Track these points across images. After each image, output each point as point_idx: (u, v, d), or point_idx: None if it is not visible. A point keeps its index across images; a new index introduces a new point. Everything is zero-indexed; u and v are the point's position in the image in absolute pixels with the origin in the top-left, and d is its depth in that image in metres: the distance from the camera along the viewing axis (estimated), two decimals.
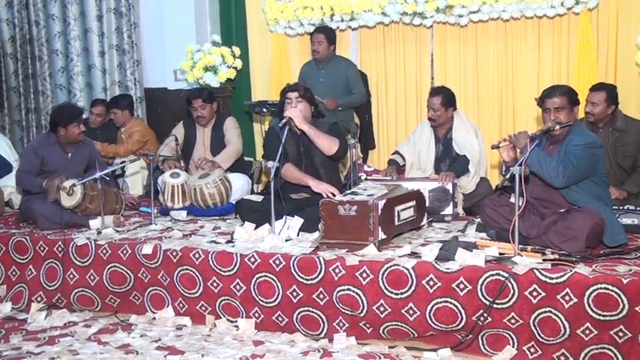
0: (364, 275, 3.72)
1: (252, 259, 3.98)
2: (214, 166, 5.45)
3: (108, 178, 5.06)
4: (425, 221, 4.57)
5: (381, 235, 3.97)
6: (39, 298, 4.50)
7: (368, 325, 3.76)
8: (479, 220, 4.49)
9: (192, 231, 4.72)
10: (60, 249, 4.47)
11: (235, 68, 6.60)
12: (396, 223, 4.16)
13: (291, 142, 4.75)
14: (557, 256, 3.63)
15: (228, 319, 4.07)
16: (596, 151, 3.90)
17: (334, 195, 4.34)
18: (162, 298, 4.26)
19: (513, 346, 3.48)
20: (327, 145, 4.59)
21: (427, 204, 4.76)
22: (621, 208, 4.37)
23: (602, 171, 3.98)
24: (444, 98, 5.17)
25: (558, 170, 3.76)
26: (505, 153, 3.98)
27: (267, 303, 3.96)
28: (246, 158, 6.18)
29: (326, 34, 6.01)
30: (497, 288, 3.45)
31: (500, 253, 3.70)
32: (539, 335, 3.42)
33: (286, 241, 4.21)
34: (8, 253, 4.64)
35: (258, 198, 4.83)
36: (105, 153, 6.21)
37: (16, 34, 7.50)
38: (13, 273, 4.63)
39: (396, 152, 5.48)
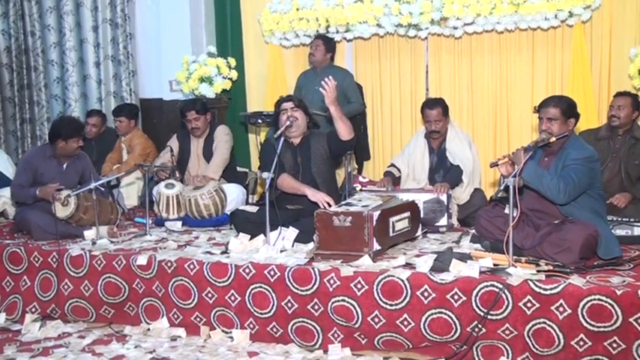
0: (359, 286, 3.72)
1: (247, 270, 3.98)
2: (207, 180, 5.45)
3: (103, 189, 5.05)
4: (419, 232, 4.57)
5: (376, 246, 3.98)
6: (33, 309, 4.48)
7: (363, 336, 3.76)
8: (473, 231, 4.50)
9: (187, 242, 4.72)
10: (54, 259, 4.46)
11: (231, 79, 6.62)
12: (391, 234, 4.17)
13: (288, 153, 4.76)
14: (551, 267, 3.64)
15: (222, 330, 4.06)
16: (595, 165, 3.93)
17: (330, 205, 4.34)
18: (156, 309, 4.25)
19: (508, 357, 3.48)
20: (348, 129, 4.54)
21: (422, 215, 4.77)
22: (617, 219, 4.38)
23: (598, 184, 4.00)
24: (443, 108, 5.20)
25: (559, 187, 3.77)
26: (503, 168, 3.97)
27: (261, 314, 3.96)
28: (241, 169, 6.18)
29: (324, 40, 6.04)
30: (492, 299, 3.46)
31: (494, 264, 3.71)
32: (534, 346, 3.42)
33: (281, 252, 4.21)
34: (2, 264, 4.62)
35: (253, 209, 4.83)
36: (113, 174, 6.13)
37: (12, 44, 7.50)
38: (7, 284, 4.61)
39: (392, 165, 5.48)
